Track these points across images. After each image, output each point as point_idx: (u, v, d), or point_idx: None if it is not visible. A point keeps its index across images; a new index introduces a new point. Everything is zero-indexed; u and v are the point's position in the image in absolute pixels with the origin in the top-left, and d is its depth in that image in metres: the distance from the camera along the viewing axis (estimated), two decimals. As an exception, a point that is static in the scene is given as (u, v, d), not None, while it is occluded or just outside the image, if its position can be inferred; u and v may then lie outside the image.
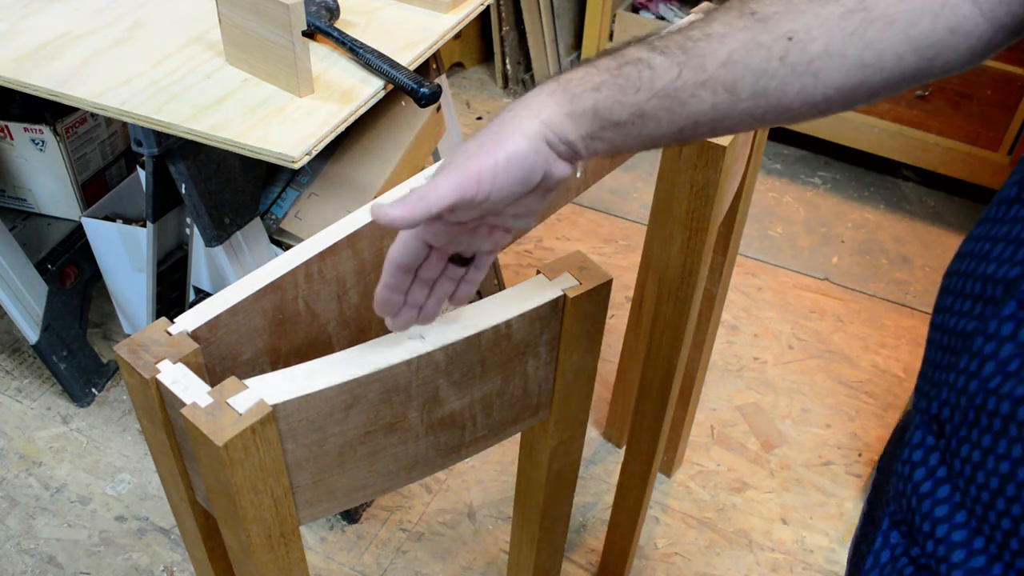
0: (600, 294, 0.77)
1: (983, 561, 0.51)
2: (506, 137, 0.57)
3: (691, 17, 0.57)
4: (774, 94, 0.56)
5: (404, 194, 0.57)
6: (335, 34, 1.15)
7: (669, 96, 0.56)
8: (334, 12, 1.19)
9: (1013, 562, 0.50)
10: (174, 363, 0.66)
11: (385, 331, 0.69)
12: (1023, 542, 0.49)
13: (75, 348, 1.75)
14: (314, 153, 1.02)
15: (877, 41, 0.54)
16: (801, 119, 0.58)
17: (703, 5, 1.18)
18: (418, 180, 0.86)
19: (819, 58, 0.55)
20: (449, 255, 0.66)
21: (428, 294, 0.67)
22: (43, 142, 1.65)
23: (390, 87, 1.12)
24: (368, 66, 1.12)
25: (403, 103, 1.37)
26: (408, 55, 1.16)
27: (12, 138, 1.66)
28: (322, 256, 0.79)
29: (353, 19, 1.23)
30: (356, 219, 0.81)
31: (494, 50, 2.65)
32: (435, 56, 1.39)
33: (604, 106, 0.57)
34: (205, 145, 1.09)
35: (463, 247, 0.65)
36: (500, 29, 2.58)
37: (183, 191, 1.22)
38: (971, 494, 0.52)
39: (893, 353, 1.93)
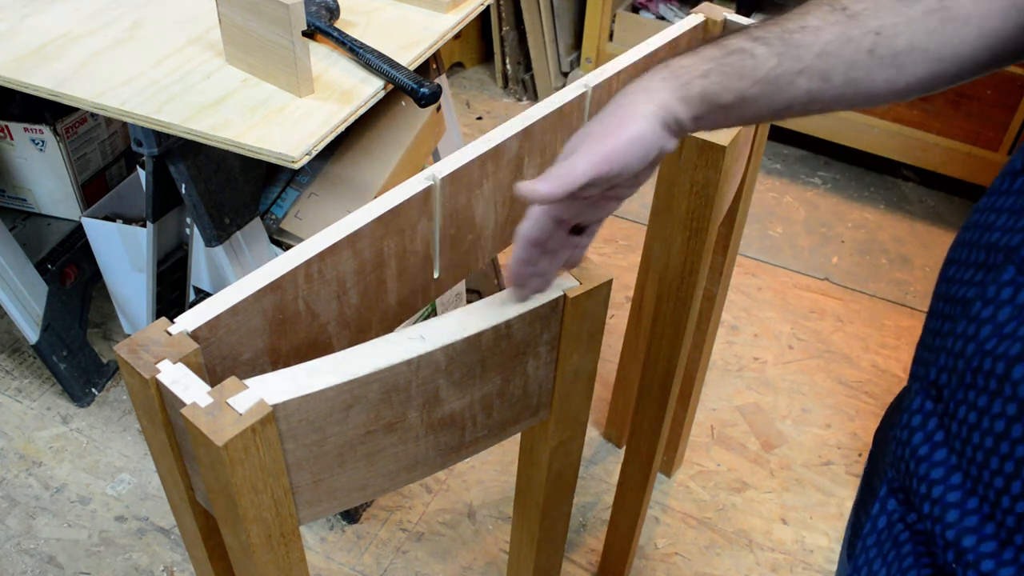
0: (600, 294, 0.77)
1: (975, 521, 0.53)
2: (629, 120, 0.63)
3: (787, 13, 0.65)
4: (863, 83, 0.62)
5: (545, 174, 0.63)
6: (335, 34, 1.15)
7: (769, 83, 0.62)
8: (334, 12, 1.19)
9: (1004, 520, 0.51)
10: (174, 363, 0.66)
11: (385, 331, 0.69)
12: (1014, 500, 0.50)
13: (75, 348, 1.75)
14: (314, 153, 1.02)
15: (954, 38, 0.60)
16: (884, 103, 0.64)
17: (703, 5, 1.18)
18: (420, 180, 0.86)
19: (903, 52, 0.61)
20: (571, 226, 0.71)
21: (550, 262, 0.73)
22: (43, 142, 1.65)
23: (390, 87, 1.12)
24: (368, 66, 1.12)
25: (403, 103, 1.37)
26: (408, 55, 1.16)
27: (12, 138, 1.66)
28: (322, 256, 0.79)
29: (353, 19, 1.24)
30: (356, 219, 0.81)
31: (494, 50, 2.65)
32: (435, 56, 1.39)
33: (711, 91, 0.63)
34: (205, 145, 1.09)
35: (584, 218, 0.71)
36: (500, 29, 2.58)
37: (183, 191, 1.22)
38: (967, 455, 0.54)
39: (893, 353, 1.93)
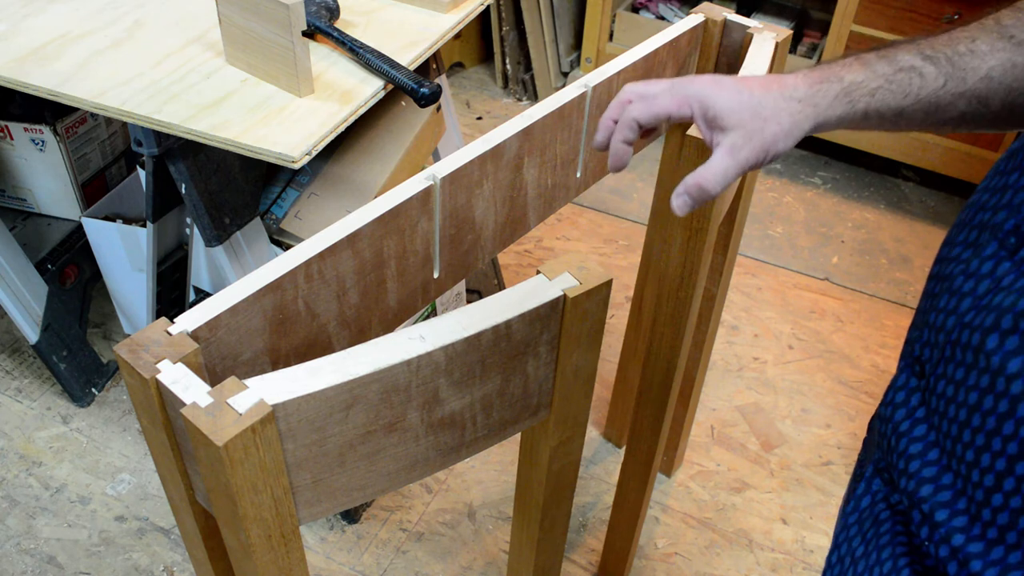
0: (600, 294, 0.77)
1: (949, 496, 0.53)
2: (785, 130, 0.66)
3: (956, 32, 0.66)
4: (1019, 108, 0.64)
5: (705, 174, 0.66)
6: (335, 34, 1.15)
7: (931, 103, 0.65)
8: (334, 12, 1.19)
9: (973, 495, 0.51)
10: (174, 363, 0.66)
11: (385, 331, 0.69)
12: (983, 473, 0.50)
13: (75, 348, 1.75)
14: (314, 153, 1.02)
15: None
16: None
17: (703, 5, 1.18)
18: (420, 180, 0.86)
19: None
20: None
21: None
22: (43, 142, 1.65)
23: (390, 87, 1.12)
24: (368, 66, 1.12)
25: (403, 103, 1.37)
26: (408, 55, 1.16)
27: (12, 138, 1.66)
28: (322, 256, 0.79)
29: (353, 19, 1.24)
30: (356, 219, 0.81)
31: (494, 50, 2.65)
32: (435, 56, 1.39)
33: (874, 108, 0.66)
34: (205, 145, 1.09)
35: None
36: (500, 29, 2.58)
37: (183, 191, 1.22)
38: (943, 430, 0.54)
39: (893, 353, 1.93)
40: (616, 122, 0.71)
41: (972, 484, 0.51)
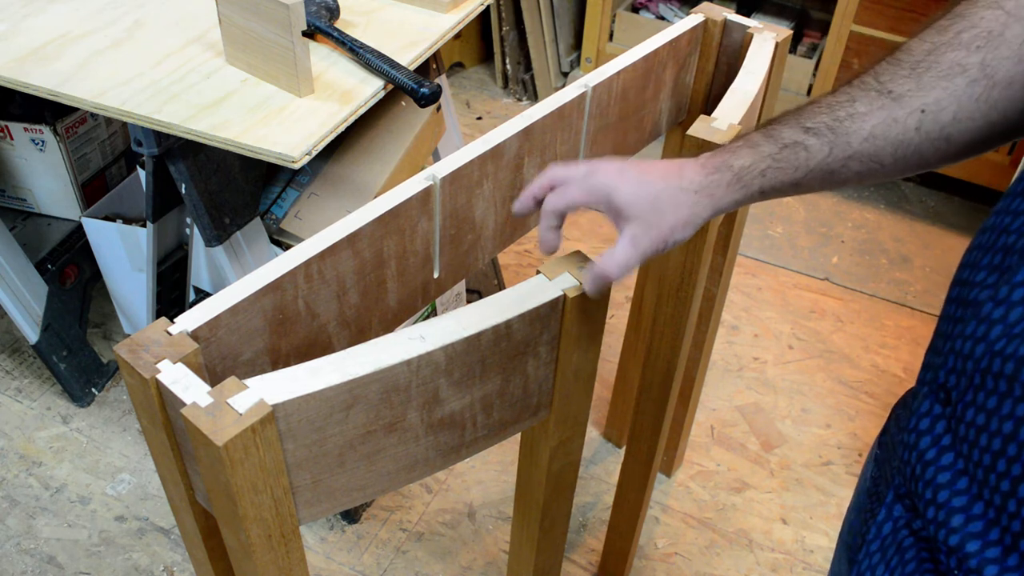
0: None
1: (980, 526, 0.52)
2: (682, 226, 0.70)
3: (835, 96, 0.67)
4: (912, 158, 0.65)
5: (608, 261, 0.70)
6: (335, 34, 1.15)
7: (822, 171, 0.67)
8: (334, 12, 1.19)
9: (1009, 525, 0.50)
10: (174, 363, 0.66)
11: (385, 331, 0.69)
12: (1020, 503, 0.49)
13: (75, 348, 1.75)
14: (314, 153, 1.02)
15: (1001, 102, 0.61)
16: (939, 168, 0.67)
17: (703, 5, 1.18)
18: (420, 180, 0.86)
19: (949, 124, 0.62)
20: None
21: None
22: (43, 142, 1.65)
23: (390, 87, 1.12)
24: (368, 66, 1.12)
25: (403, 103, 1.37)
26: (408, 55, 1.16)
27: (12, 138, 1.66)
28: (322, 256, 0.79)
29: (353, 19, 1.24)
30: (356, 219, 0.81)
31: (494, 50, 2.65)
32: (435, 56, 1.39)
33: (768, 186, 0.69)
34: (205, 145, 1.09)
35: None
36: (500, 29, 2.58)
37: (183, 191, 1.22)
38: (973, 458, 0.53)
39: (893, 353, 1.93)
40: (536, 200, 0.75)
41: (1008, 514, 0.50)
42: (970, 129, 0.62)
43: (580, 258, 0.79)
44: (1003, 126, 0.62)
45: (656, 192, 0.69)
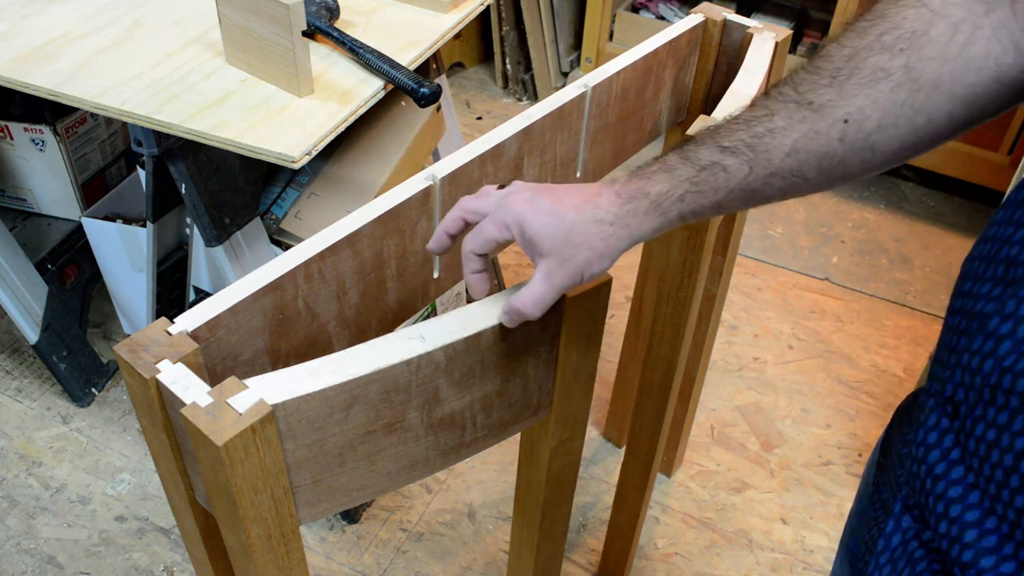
0: (600, 294, 0.77)
1: (995, 541, 0.52)
2: (599, 253, 0.67)
3: (753, 111, 0.64)
4: (837, 170, 0.62)
5: (522, 299, 0.68)
6: (335, 34, 1.15)
7: (743, 190, 0.64)
8: (334, 12, 1.19)
9: None
10: (174, 363, 0.66)
11: (385, 331, 0.69)
12: None
13: (75, 348, 1.75)
14: (314, 153, 1.02)
15: (927, 106, 0.58)
16: (863, 177, 0.64)
17: (703, 5, 1.18)
18: (420, 180, 0.86)
19: (874, 132, 0.60)
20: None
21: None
22: (43, 142, 1.65)
23: (390, 87, 1.12)
24: (368, 66, 1.12)
25: (403, 103, 1.37)
26: (408, 55, 1.16)
27: (12, 138, 1.66)
28: (322, 256, 0.79)
29: (353, 19, 1.24)
30: (356, 219, 0.81)
31: (494, 50, 2.65)
32: (435, 56, 1.39)
33: (688, 210, 0.66)
34: (205, 145, 1.09)
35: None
36: (500, 29, 2.58)
37: (183, 191, 1.22)
38: (985, 473, 0.52)
39: (893, 353, 1.93)
40: (449, 235, 0.72)
41: (1022, 530, 0.50)
42: (896, 136, 0.60)
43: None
44: (928, 131, 0.60)
45: (569, 225, 0.66)
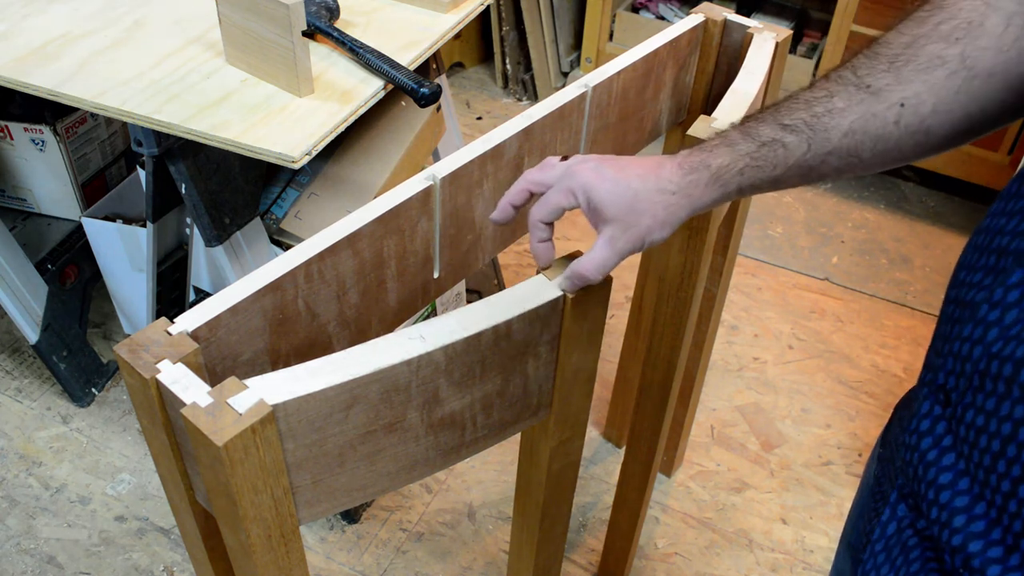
0: (600, 294, 0.77)
1: (983, 526, 0.53)
2: (660, 221, 0.70)
3: (813, 91, 0.67)
4: (892, 152, 0.65)
5: (586, 264, 0.72)
6: (335, 34, 1.15)
7: (801, 167, 0.67)
8: (334, 12, 1.19)
9: (1011, 525, 0.51)
10: (174, 363, 0.66)
11: (385, 331, 0.69)
12: (1021, 504, 0.50)
13: (75, 348, 1.75)
14: (314, 153, 1.02)
15: (980, 94, 0.60)
16: (916, 161, 0.67)
17: (703, 5, 1.18)
18: (420, 180, 0.86)
19: (929, 117, 0.62)
20: None
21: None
22: (43, 142, 1.65)
23: (390, 87, 1.12)
24: (368, 66, 1.12)
25: (403, 103, 1.37)
26: (408, 55, 1.16)
27: (12, 138, 1.66)
28: (322, 256, 0.79)
29: (353, 19, 1.24)
30: (356, 219, 0.81)
31: (494, 50, 2.65)
32: (435, 56, 1.39)
33: (747, 184, 0.69)
34: (205, 145, 1.09)
35: None
36: (500, 29, 2.58)
37: (183, 191, 1.22)
38: (974, 459, 0.53)
39: (893, 353, 1.93)
40: (514, 206, 0.75)
41: (1009, 514, 0.51)
42: (949, 121, 0.62)
43: (580, 258, 0.79)
44: (981, 118, 0.62)
45: (634, 193, 0.69)
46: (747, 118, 0.70)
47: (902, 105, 0.62)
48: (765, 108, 0.69)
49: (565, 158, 0.74)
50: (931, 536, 0.57)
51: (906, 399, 0.68)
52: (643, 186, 0.69)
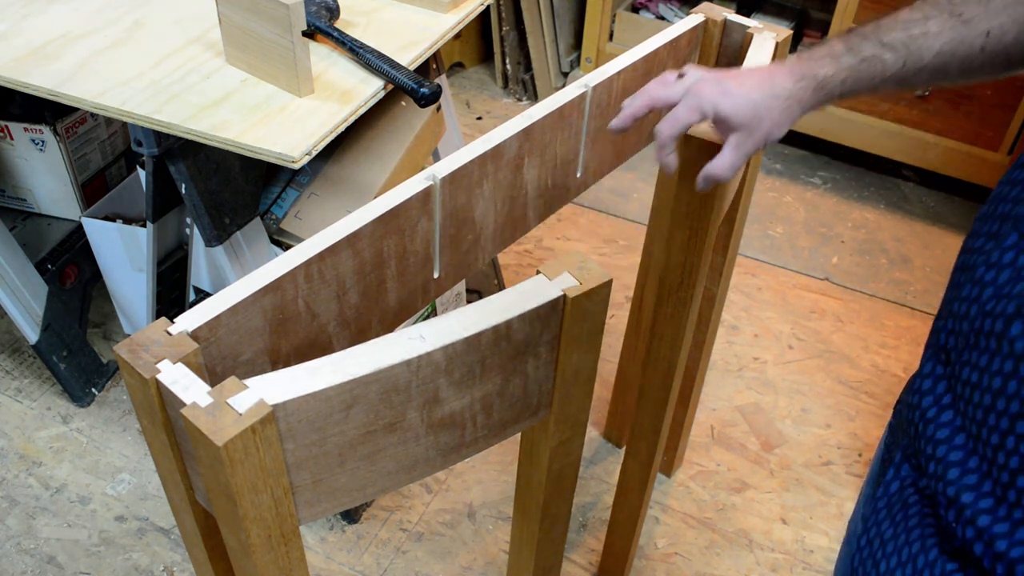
0: (600, 294, 0.77)
1: (975, 479, 0.55)
2: (778, 125, 0.81)
3: (911, 14, 0.77)
4: (975, 73, 0.74)
5: (720, 164, 0.83)
6: (335, 34, 1.15)
7: (895, 80, 0.77)
8: (334, 12, 1.19)
9: (999, 477, 0.53)
10: (174, 363, 0.66)
11: (385, 331, 0.69)
12: (1008, 455, 0.52)
13: (75, 348, 1.75)
14: (314, 153, 1.02)
15: None
16: (992, 79, 0.76)
17: (703, 5, 1.18)
18: (420, 180, 0.86)
19: (1011, 46, 0.71)
20: None
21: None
22: (43, 142, 1.65)
23: (390, 87, 1.12)
24: (368, 66, 1.12)
25: (403, 103, 1.37)
26: (408, 55, 1.16)
27: (12, 138, 1.66)
28: (322, 256, 0.79)
29: (353, 19, 1.24)
30: (356, 219, 0.81)
31: (494, 50, 2.65)
32: (435, 56, 1.39)
33: (848, 91, 0.79)
34: (205, 145, 1.09)
35: None
36: (500, 29, 2.58)
37: (183, 191, 1.22)
38: (969, 414, 0.56)
39: (893, 353, 1.93)
40: (636, 118, 0.85)
41: (998, 467, 0.53)
42: None
43: (580, 258, 0.79)
44: None
45: (753, 103, 0.79)
46: (850, 31, 0.79)
47: (988, 34, 0.70)
48: (866, 24, 0.78)
49: (681, 75, 0.84)
50: (930, 494, 0.60)
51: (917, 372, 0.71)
52: (761, 96, 0.79)
